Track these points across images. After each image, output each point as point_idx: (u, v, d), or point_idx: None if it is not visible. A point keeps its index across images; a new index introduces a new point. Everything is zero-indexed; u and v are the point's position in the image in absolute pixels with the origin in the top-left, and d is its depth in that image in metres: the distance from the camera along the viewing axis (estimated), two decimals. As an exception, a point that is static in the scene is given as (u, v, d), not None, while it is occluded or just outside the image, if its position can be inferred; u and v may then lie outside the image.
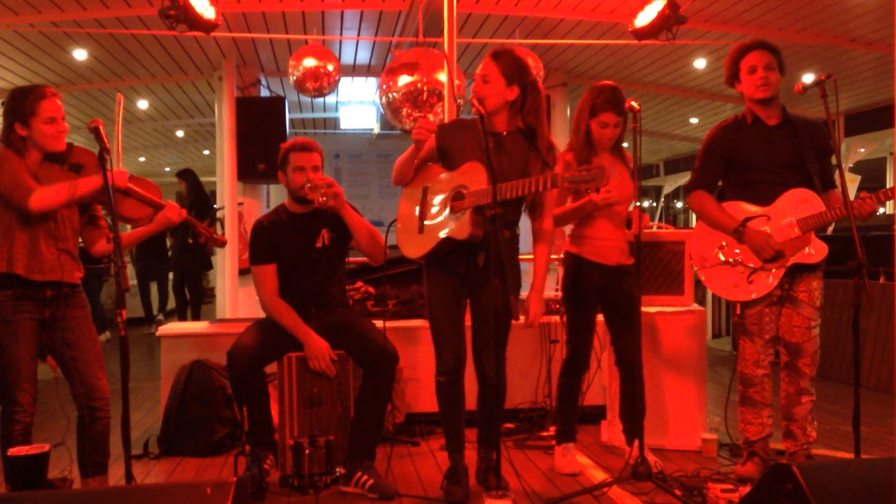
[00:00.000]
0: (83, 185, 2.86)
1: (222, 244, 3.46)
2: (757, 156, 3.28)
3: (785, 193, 3.24)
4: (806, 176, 3.23)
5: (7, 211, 2.84)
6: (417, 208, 3.18)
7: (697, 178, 3.42)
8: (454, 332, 3.14)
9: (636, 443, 3.29)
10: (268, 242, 3.43)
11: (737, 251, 3.31)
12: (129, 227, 3.22)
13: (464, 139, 3.11)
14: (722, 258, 3.35)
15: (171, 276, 8.38)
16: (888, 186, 3.28)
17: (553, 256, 3.31)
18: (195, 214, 7.48)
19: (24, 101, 2.86)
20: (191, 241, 7.41)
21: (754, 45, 3.29)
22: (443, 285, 3.14)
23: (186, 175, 7.86)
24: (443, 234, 3.06)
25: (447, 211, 3.07)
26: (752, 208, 3.30)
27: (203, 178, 8.05)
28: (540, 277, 3.14)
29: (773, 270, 3.25)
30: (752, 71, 3.25)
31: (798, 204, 3.22)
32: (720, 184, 3.47)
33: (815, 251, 3.22)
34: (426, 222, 3.14)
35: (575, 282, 3.45)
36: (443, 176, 3.13)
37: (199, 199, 7.68)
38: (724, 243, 3.35)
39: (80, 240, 3.12)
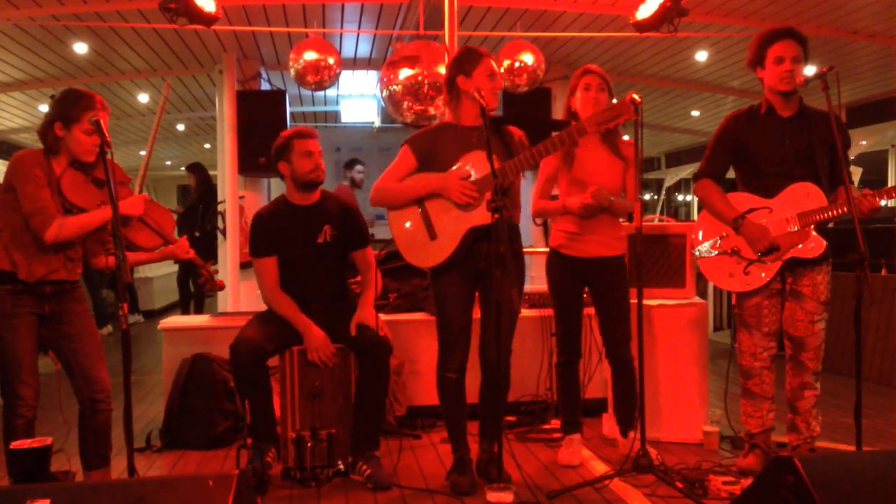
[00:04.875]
0: (98, 217, 2.88)
1: (220, 288, 3.45)
2: (765, 147, 3.26)
3: (789, 187, 3.23)
4: (813, 170, 3.21)
5: (21, 215, 2.85)
6: (419, 217, 3.13)
7: (705, 167, 3.41)
8: (468, 330, 3.17)
9: (631, 434, 3.30)
10: (267, 235, 3.43)
11: (735, 242, 3.31)
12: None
13: (445, 140, 3.15)
14: (721, 248, 3.35)
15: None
16: (889, 179, 3.29)
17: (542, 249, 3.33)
18: (203, 208, 7.52)
19: (72, 105, 2.86)
20: (197, 233, 7.42)
21: (785, 33, 3.20)
22: (458, 284, 3.14)
23: (196, 169, 7.94)
24: (466, 226, 3.05)
25: (460, 205, 3.06)
26: (756, 200, 3.29)
27: (204, 172, 8.08)
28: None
29: (768, 264, 3.24)
30: (779, 61, 3.18)
31: (801, 198, 3.20)
32: (734, 174, 3.46)
33: (813, 246, 3.20)
34: (437, 227, 3.11)
35: (556, 276, 3.49)
36: (437, 178, 3.11)
37: (208, 192, 7.70)
38: (725, 234, 3.34)
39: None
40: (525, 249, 3.34)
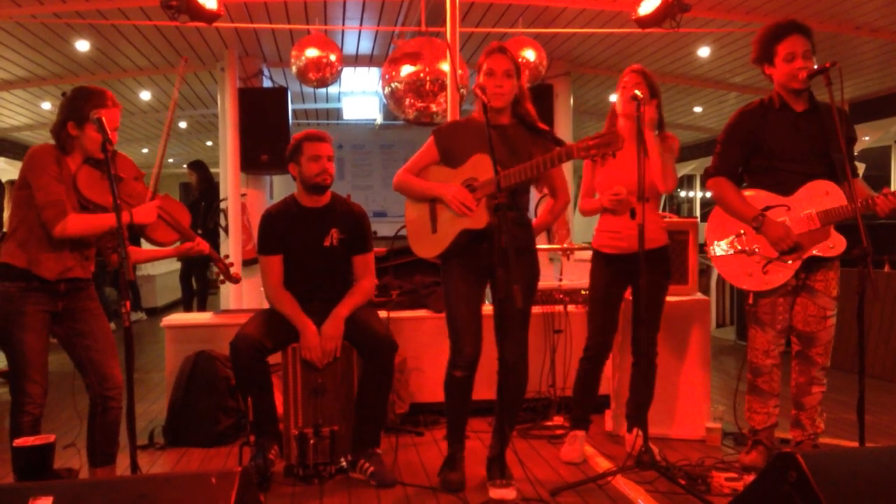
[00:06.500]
0: (107, 221, 2.87)
1: (236, 281, 3.50)
2: (782, 143, 3.19)
3: (807, 184, 3.17)
4: (829, 165, 3.14)
5: (36, 211, 2.86)
6: (427, 210, 3.19)
7: (718, 164, 3.32)
8: (475, 327, 3.14)
9: (636, 430, 3.29)
10: (275, 233, 3.44)
11: (754, 241, 3.24)
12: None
13: (465, 136, 3.16)
14: (738, 247, 3.29)
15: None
16: (892, 174, 3.26)
17: (555, 246, 3.29)
18: (205, 205, 7.53)
19: (83, 104, 2.86)
20: (199, 231, 7.43)
21: (793, 29, 3.15)
22: (464, 279, 3.13)
23: (197, 166, 7.93)
24: (459, 227, 3.07)
25: (457, 214, 3.07)
26: (773, 197, 3.23)
27: (206, 170, 8.08)
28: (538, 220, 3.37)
29: (790, 262, 3.19)
30: (790, 59, 3.12)
31: (820, 196, 3.14)
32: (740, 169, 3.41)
33: (834, 245, 3.16)
34: (439, 221, 3.15)
35: (599, 278, 3.48)
36: (449, 174, 3.14)
37: (209, 190, 7.72)
38: (741, 231, 3.28)
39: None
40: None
